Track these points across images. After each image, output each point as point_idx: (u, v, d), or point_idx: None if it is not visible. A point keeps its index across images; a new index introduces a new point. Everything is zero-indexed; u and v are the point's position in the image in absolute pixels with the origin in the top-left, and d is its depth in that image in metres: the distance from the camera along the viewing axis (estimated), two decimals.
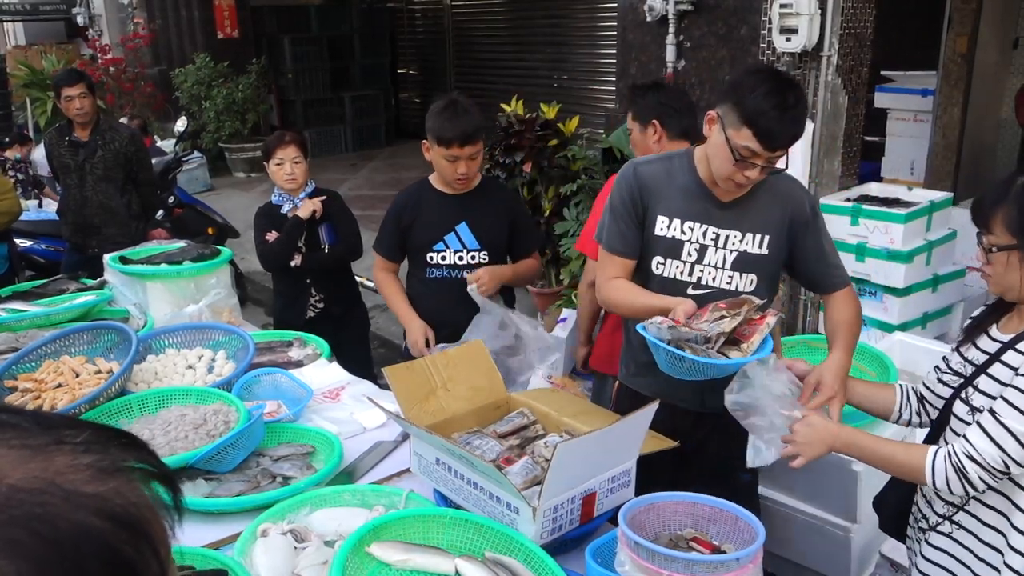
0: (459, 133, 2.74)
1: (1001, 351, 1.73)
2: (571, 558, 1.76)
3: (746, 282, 2.18)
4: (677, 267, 2.21)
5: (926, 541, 1.88)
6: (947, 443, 1.75)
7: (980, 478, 1.65)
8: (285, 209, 3.48)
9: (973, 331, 1.85)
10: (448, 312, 2.88)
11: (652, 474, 1.91)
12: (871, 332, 4.11)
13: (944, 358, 1.93)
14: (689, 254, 2.19)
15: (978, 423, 1.67)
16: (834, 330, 2.19)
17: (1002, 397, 1.65)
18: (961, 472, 1.66)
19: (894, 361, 2.90)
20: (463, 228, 2.92)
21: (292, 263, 3.46)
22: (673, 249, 2.20)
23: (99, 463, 0.48)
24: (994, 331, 1.80)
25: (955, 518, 1.81)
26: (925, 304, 4.16)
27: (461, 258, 2.94)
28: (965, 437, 1.68)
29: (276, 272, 3.61)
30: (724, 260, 2.17)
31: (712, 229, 2.17)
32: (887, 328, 4.02)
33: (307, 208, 3.43)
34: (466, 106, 2.82)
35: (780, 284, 2.36)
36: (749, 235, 2.16)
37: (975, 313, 1.94)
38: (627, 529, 1.56)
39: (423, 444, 1.92)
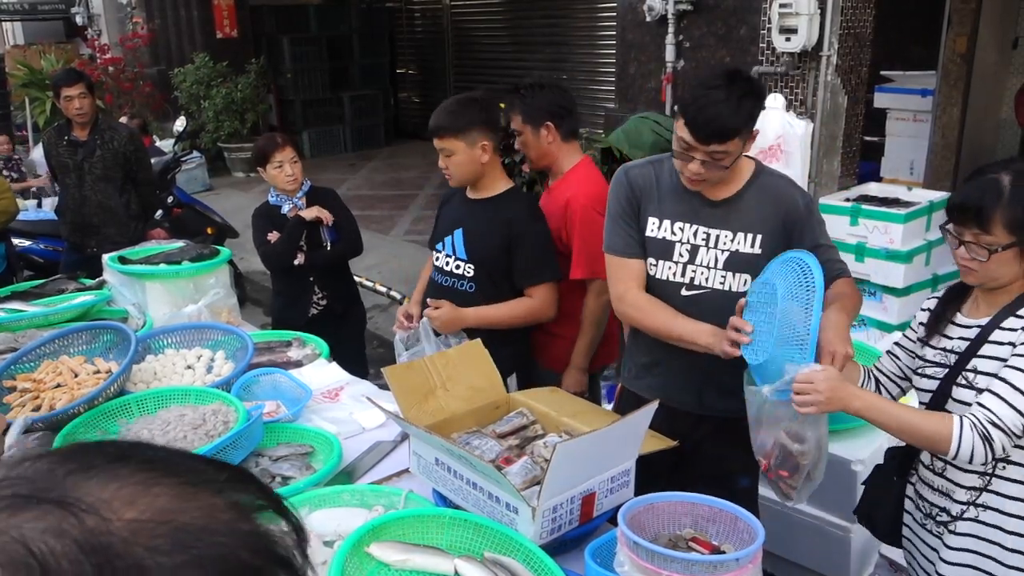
0: (432, 125, 2.65)
1: (987, 331, 1.78)
2: (570, 558, 1.75)
3: (739, 282, 2.16)
4: (669, 268, 2.21)
5: (951, 532, 1.87)
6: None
7: (1002, 444, 1.69)
8: (285, 209, 3.47)
9: (936, 325, 1.91)
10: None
11: (651, 476, 1.90)
12: (870, 332, 4.11)
13: (908, 353, 2.01)
14: (681, 255, 2.19)
15: (991, 391, 1.70)
16: (831, 300, 2.02)
17: (1010, 366, 1.70)
18: (987, 439, 1.68)
19: None
20: (458, 234, 2.75)
21: (295, 262, 3.46)
22: (665, 250, 2.20)
23: (244, 502, 0.49)
24: (961, 319, 1.87)
25: (979, 501, 1.81)
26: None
27: (448, 264, 2.78)
28: (982, 405, 1.70)
29: (277, 272, 3.61)
30: (716, 260, 2.16)
31: (703, 229, 2.16)
32: (886, 328, 4.02)
33: (312, 212, 3.43)
34: (453, 102, 2.70)
35: None
36: (740, 234, 2.14)
37: (925, 307, 1.99)
38: (626, 529, 1.56)
39: (422, 444, 1.92)
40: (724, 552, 1.63)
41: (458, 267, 2.75)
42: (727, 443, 2.22)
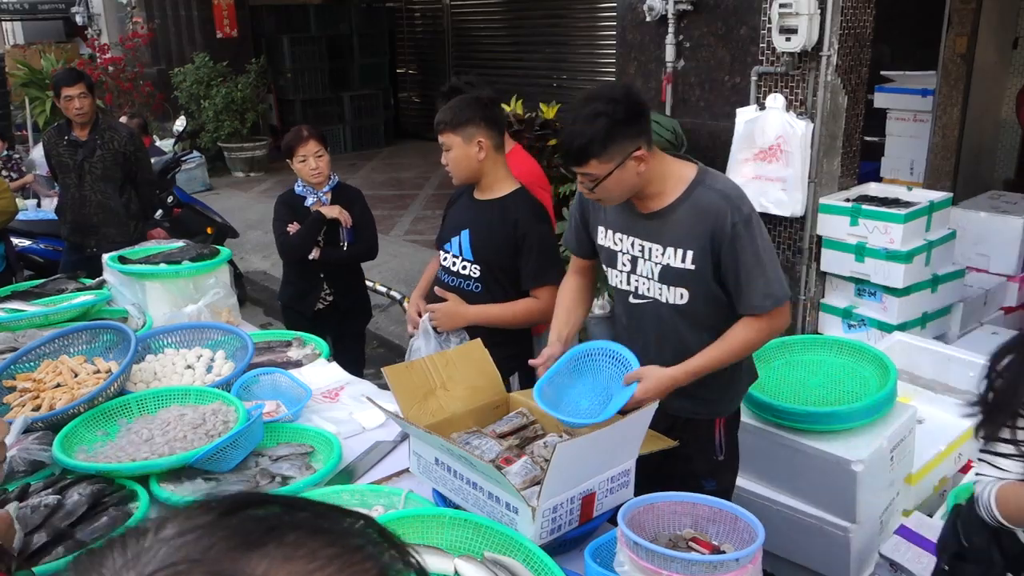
0: (436, 121, 2.67)
1: None
2: (570, 558, 1.75)
3: (676, 295, 2.14)
4: (617, 276, 2.25)
5: None
6: None
7: None
8: (309, 202, 3.53)
9: (1004, 415, 1.66)
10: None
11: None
12: (871, 332, 4.12)
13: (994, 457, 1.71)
14: (624, 264, 2.21)
15: None
16: (719, 339, 2.10)
17: None
18: None
19: (894, 361, 2.90)
20: (465, 235, 2.74)
21: (310, 256, 3.50)
22: (611, 259, 2.24)
23: (392, 566, 0.51)
24: None
25: None
26: (924, 304, 4.16)
27: (454, 265, 2.77)
28: None
29: (290, 263, 3.66)
30: (652, 272, 2.16)
31: (638, 241, 2.17)
32: (886, 328, 4.02)
33: (333, 211, 3.47)
34: (457, 100, 2.70)
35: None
36: (671, 249, 2.10)
37: (997, 388, 1.69)
38: (626, 529, 1.56)
39: (422, 444, 1.92)
40: (724, 552, 1.63)
41: (464, 268, 2.75)
42: (691, 444, 2.22)
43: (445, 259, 2.83)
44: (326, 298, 3.60)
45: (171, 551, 0.48)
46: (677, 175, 2.11)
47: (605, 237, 2.24)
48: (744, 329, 2.09)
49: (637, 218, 2.15)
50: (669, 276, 2.12)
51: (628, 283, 2.22)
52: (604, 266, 2.28)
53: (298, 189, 3.57)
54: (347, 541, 0.50)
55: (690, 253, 2.08)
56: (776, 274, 2.08)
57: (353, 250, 3.58)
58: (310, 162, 3.45)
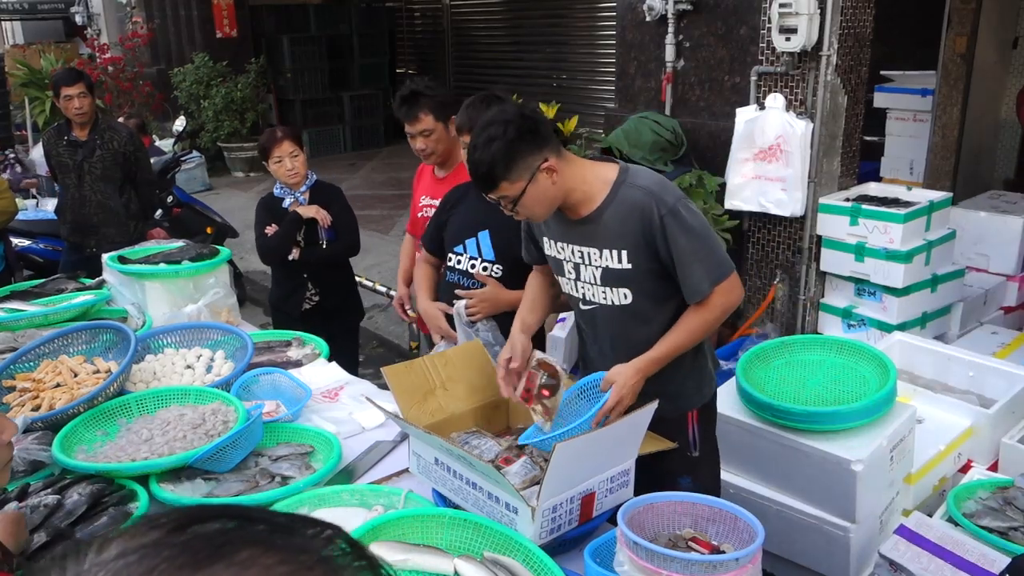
0: (466, 120, 2.71)
1: None
2: (570, 558, 1.75)
3: (620, 296, 2.16)
4: (567, 284, 2.27)
5: None
6: None
7: None
8: (287, 203, 3.51)
9: None
10: (449, 319, 2.79)
11: None
12: (870, 332, 4.12)
13: None
14: (569, 272, 2.24)
15: None
16: (675, 324, 2.15)
17: None
18: None
19: (893, 361, 2.90)
20: (484, 235, 2.76)
21: (290, 257, 3.49)
22: (559, 267, 2.27)
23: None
24: None
25: None
26: (924, 304, 4.16)
27: (473, 266, 2.78)
28: None
29: (273, 265, 3.67)
30: (594, 276, 2.18)
31: (576, 248, 2.19)
32: (886, 328, 4.02)
33: (310, 211, 3.45)
34: (487, 99, 2.75)
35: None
36: (606, 251, 2.13)
37: None
38: (626, 529, 1.56)
39: (422, 444, 1.92)
40: (724, 552, 1.63)
41: (485, 269, 2.77)
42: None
43: (460, 262, 2.81)
44: (312, 298, 3.58)
45: (106, 572, 0.45)
46: (600, 177, 2.12)
47: (551, 247, 2.26)
48: (697, 311, 2.12)
49: (571, 225, 2.17)
50: (610, 278, 2.15)
51: (576, 290, 2.25)
52: (555, 275, 2.31)
53: (277, 191, 3.55)
54: (302, 557, 0.47)
55: (624, 252, 2.10)
56: (715, 254, 2.09)
57: (332, 248, 3.55)
58: (286, 163, 3.43)
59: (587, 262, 2.17)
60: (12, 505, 1.77)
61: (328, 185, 3.66)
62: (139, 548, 0.46)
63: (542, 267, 2.42)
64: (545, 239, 2.27)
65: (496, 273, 2.75)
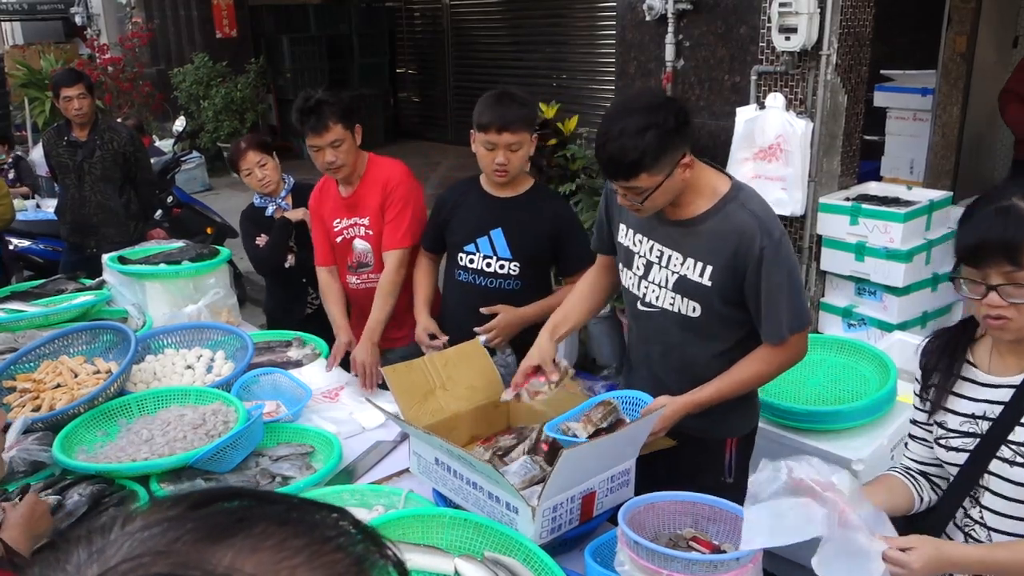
0: (496, 117, 2.58)
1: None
2: (570, 558, 1.75)
3: (689, 308, 2.07)
4: (629, 278, 2.20)
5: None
6: (979, 505, 1.60)
7: None
8: (270, 211, 3.45)
9: (946, 383, 1.65)
10: (464, 318, 2.73)
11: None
12: (871, 331, 4.11)
13: (928, 425, 1.71)
14: (638, 267, 2.15)
15: None
16: (730, 369, 2.07)
17: None
18: None
19: (894, 360, 2.90)
20: (497, 234, 2.71)
21: (286, 264, 3.44)
22: (628, 259, 2.19)
23: (364, 557, 0.51)
24: (982, 376, 1.62)
25: None
26: (925, 303, 4.16)
27: (489, 265, 2.73)
28: None
29: (269, 275, 3.59)
30: (667, 280, 2.09)
31: (657, 245, 2.10)
32: (887, 327, 4.02)
33: (298, 214, 3.39)
34: (512, 95, 2.67)
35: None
36: (690, 260, 2.03)
37: (922, 367, 1.72)
38: (627, 528, 1.56)
39: (422, 444, 1.92)
40: (725, 552, 1.63)
41: (502, 267, 2.73)
42: (700, 462, 2.18)
43: (471, 260, 2.77)
44: (313, 302, 3.51)
45: (136, 544, 0.47)
46: (711, 186, 2.03)
47: (625, 236, 2.18)
48: (757, 361, 2.05)
49: (661, 223, 2.07)
50: (684, 288, 2.06)
51: (639, 288, 2.16)
52: (620, 264, 2.22)
53: (257, 201, 3.49)
54: (317, 532, 0.50)
55: (709, 268, 2.01)
56: (800, 301, 2.01)
57: None
58: (256, 173, 3.38)
59: (663, 264, 2.09)
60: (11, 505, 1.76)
61: (309, 185, 3.62)
62: (163, 520, 0.49)
63: (605, 260, 2.33)
64: (622, 226, 2.18)
65: (513, 271, 2.72)
